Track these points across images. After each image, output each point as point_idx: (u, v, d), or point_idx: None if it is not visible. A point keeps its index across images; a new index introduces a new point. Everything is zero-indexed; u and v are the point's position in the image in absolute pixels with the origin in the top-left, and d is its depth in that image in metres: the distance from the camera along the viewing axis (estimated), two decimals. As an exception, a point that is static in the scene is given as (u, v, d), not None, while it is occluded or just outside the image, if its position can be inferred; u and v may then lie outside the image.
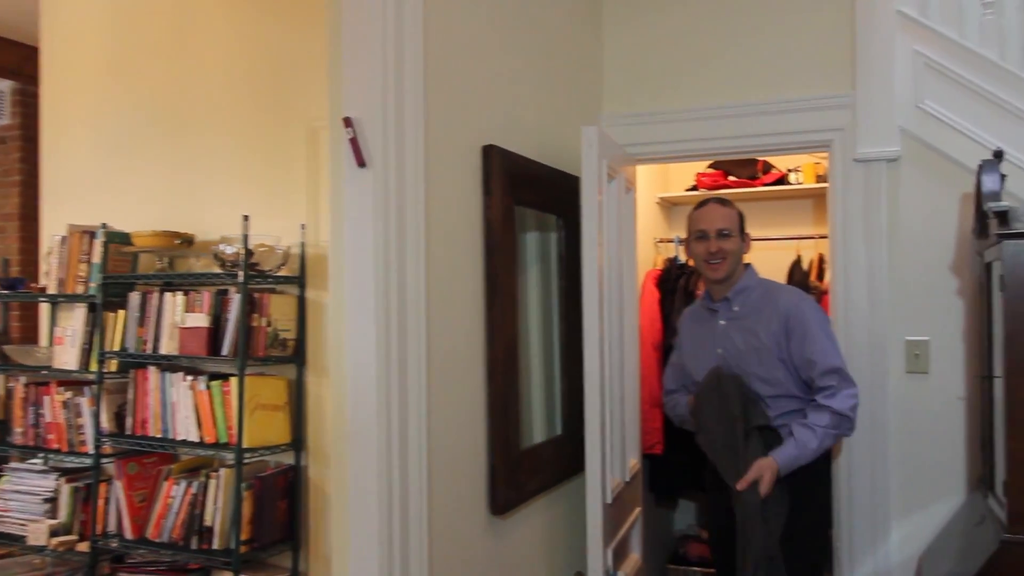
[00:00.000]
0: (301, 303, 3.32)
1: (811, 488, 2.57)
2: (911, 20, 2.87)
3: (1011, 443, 2.08)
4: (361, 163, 1.80)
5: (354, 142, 1.80)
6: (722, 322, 2.64)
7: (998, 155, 2.33)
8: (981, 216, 2.46)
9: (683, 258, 4.12)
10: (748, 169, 4.25)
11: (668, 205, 4.62)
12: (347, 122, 1.80)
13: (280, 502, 3.09)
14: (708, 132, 3.13)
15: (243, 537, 2.87)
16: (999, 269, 2.18)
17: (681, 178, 4.56)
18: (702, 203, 2.73)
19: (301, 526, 3.25)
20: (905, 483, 2.86)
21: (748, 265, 2.70)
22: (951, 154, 2.81)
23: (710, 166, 4.37)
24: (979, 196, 2.40)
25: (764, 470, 2.42)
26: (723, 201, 2.70)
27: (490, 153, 2.26)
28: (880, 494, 2.86)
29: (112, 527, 2.95)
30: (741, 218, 2.69)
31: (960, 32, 2.84)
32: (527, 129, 2.57)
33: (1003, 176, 2.32)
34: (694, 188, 4.41)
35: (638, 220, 3.16)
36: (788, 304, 2.55)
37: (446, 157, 2.10)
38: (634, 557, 2.93)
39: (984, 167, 2.31)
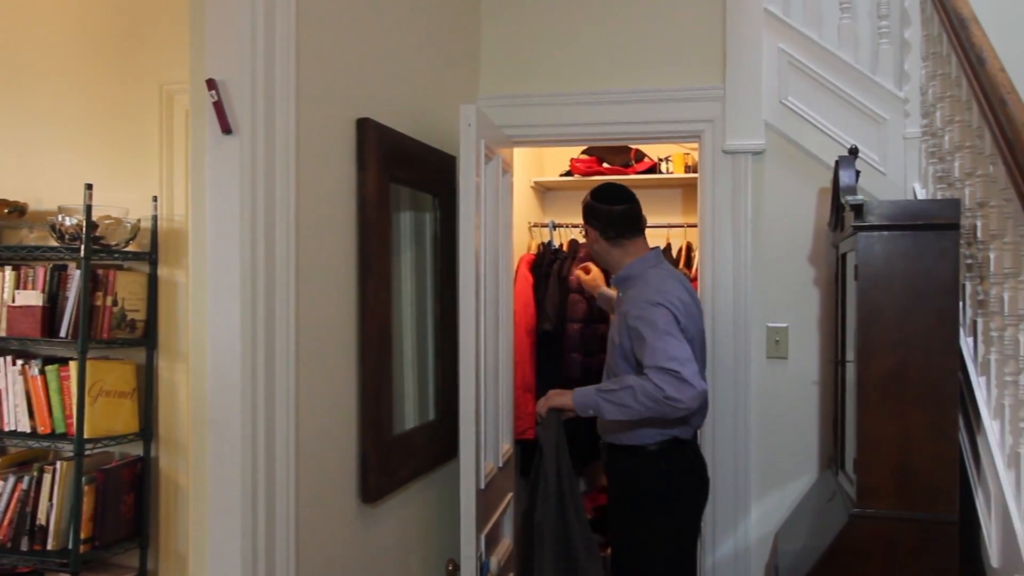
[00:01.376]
0: (152, 281, 3.11)
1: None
2: (776, 19, 2.98)
3: (860, 423, 2.20)
4: (226, 129, 1.67)
5: (218, 106, 1.66)
6: (620, 308, 2.71)
7: (853, 152, 2.45)
8: (837, 209, 2.59)
9: (557, 243, 4.15)
10: (621, 157, 4.33)
11: (542, 190, 4.64)
12: (210, 84, 1.67)
13: (126, 496, 2.88)
14: (583, 117, 3.14)
15: (83, 535, 2.65)
16: (853, 260, 2.30)
17: (556, 163, 4.59)
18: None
19: (150, 522, 3.05)
20: (764, 464, 2.99)
21: (645, 254, 2.71)
22: (810, 149, 2.94)
23: (584, 152, 4.42)
24: (836, 190, 2.53)
25: (556, 393, 2.55)
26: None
27: (365, 127, 2.17)
28: (742, 475, 2.98)
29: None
30: (586, 209, 2.73)
31: (820, 33, 2.98)
32: (404, 106, 2.49)
33: (858, 172, 2.44)
34: (568, 173, 4.44)
35: (513, 204, 3.14)
36: (634, 297, 2.56)
37: (319, 128, 1.99)
38: (506, 542, 2.92)
39: (841, 163, 2.42)
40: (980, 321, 2.26)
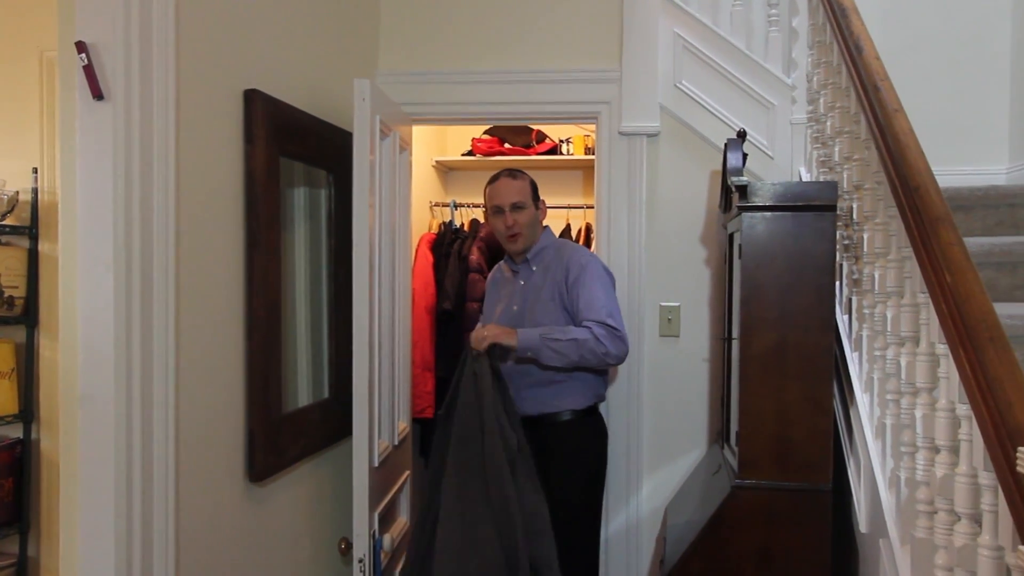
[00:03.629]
0: (33, 257, 2.97)
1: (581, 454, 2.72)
2: (672, 4, 3.04)
3: (742, 397, 2.28)
4: (98, 95, 1.60)
5: (89, 70, 1.58)
6: (522, 282, 2.82)
7: (741, 135, 2.53)
8: (726, 191, 2.67)
9: (458, 222, 4.14)
10: (523, 137, 4.35)
11: (444, 169, 4.62)
12: (80, 47, 1.58)
13: (5, 480, 2.77)
14: (484, 96, 3.14)
15: (-44, 522, 2.52)
16: (739, 239, 2.37)
17: (458, 142, 4.57)
18: (495, 177, 2.85)
19: (30, 507, 2.92)
20: (656, 439, 3.08)
21: (547, 227, 2.89)
22: (703, 132, 3.02)
23: (486, 132, 4.42)
24: (725, 172, 2.61)
25: (499, 330, 2.60)
26: (514, 173, 2.82)
27: (253, 98, 2.11)
28: (634, 450, 3.05)
29: None
30: (534, 186, 2.85)
31: (714, 19, 3.06)
32: (298, 79, 2.43)
33: (745, 155, 2.52)
34: (470, 153, 4.43)
35: (413, 182, 3.11)
36: (572, 257, 2.74)
37: (202, 97, 1.92)
38: (402, 521, 2.92)
39: (729, 145, 2.50)
40: (855, 299, 2.37)
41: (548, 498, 2.46)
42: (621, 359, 2.63)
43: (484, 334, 2.58)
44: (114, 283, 1.63)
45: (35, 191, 2.96)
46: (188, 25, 1.84)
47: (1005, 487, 1.23)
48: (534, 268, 2.81)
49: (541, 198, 2.86)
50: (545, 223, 2.89)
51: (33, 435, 2.93)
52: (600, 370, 2.76)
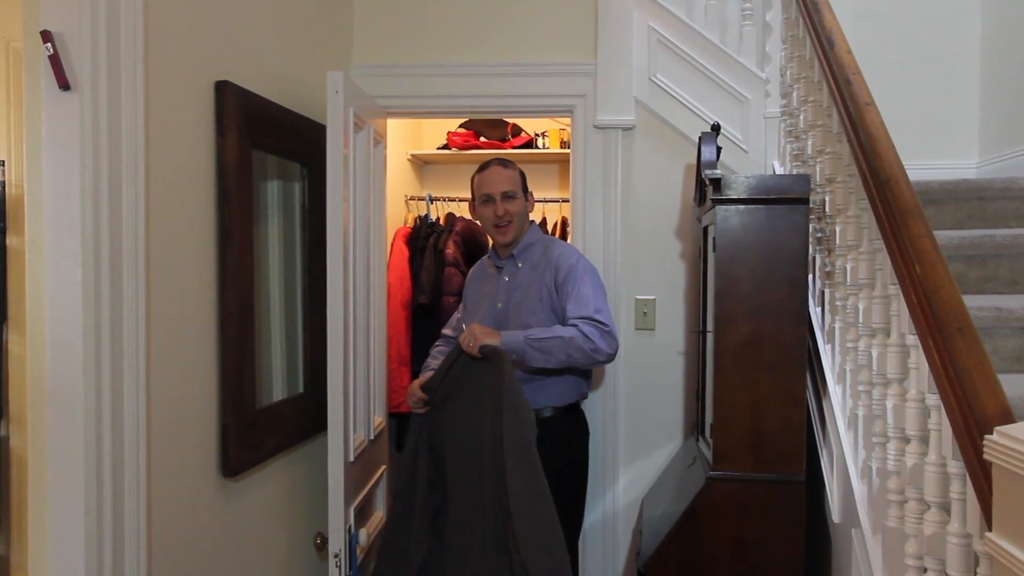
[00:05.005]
0: (0, 251, 2.91)
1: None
2: (647, -3, 3.04)
3: (717, 389, 2.30)
4: (64, 85, 1.57)
5: (55, 60, 1.55)
6: (506, 279, 2.74)
7: (715, 128, 2.54)
8: (700, 184, 2.68)
9: (434, 216, 4.13)
10: (498, 131, 4.34)
11: (420, 163, 4.60)
12: (46, 36, 1.56)
13: (-28, 479, 2.70)
14: (458, 89, 3.13)
15: (-79, 521, 2.47)
16: (713, 232, 2.38)
17: (433, 136, 4.56)
18: (484, 166, 2.77)
19: (0, 505, 2.87)
20: (632, 432, 3.09)
21: (532, 222, 2.83)
22: (678, 126, 3.03)
23: (461, 126, 4.40)
24: (699, 166, 2.62)
25: (482, 331, 2.46)
26: (505, 162, 2.76)
27: (225, 89, 2.08)
28: (611, 443, 3.06)
29: None
30: (523, 177, 2.77)
31: (689, 14, 3.07)
32: (269, 71, 2.40)
33: (719, 148, 2.53)
34: (445, 147, 4.42)
35: (388, 176, 3.09)
36: (561, 255, 2.67)
37: (173, 89, 1.90)
38: (378, 515, 2.91)
39: (703, 139, 2.51)
40: (827, 291, 2.39)
41: None
42: (612, 356, 2.52)
43: (471, 339, 2.44)
44: (82, 277, 1.60)
45: (2, 184, 2.91)
46: (157, 14, 1.81)
47: (973, 475, 1.25)
48: (520, 264, 2.73)
49: (530, 190, 2.80)
50: (531, 218, 2.85)
51: (2, 432, 2.88)
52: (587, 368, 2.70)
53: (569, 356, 2.47)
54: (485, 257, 2.94)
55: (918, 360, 1.60)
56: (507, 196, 2.67)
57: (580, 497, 2.77)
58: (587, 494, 3.04)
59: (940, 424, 1.48)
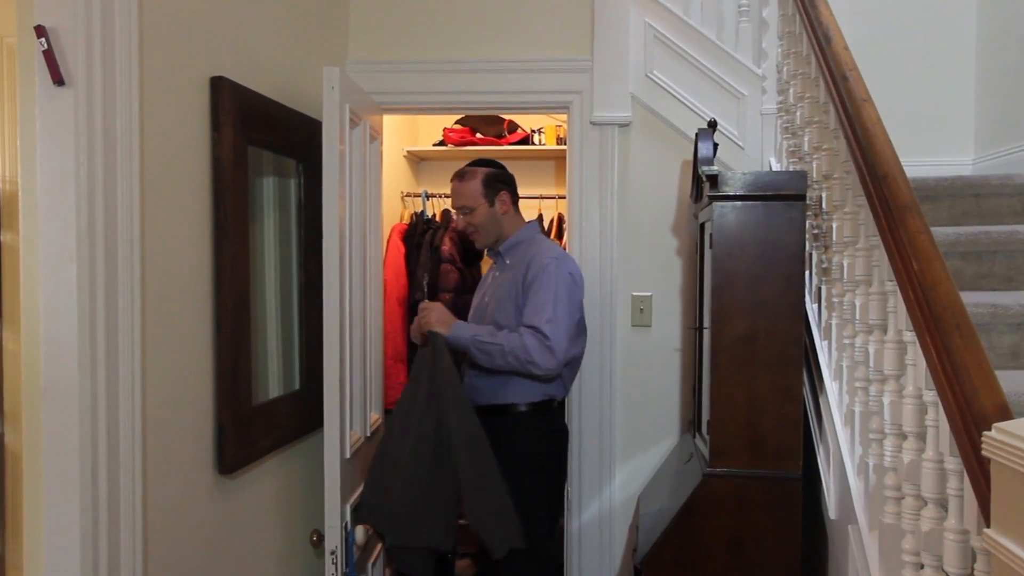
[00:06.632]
0: (-7, 248, 2.90)
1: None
2: (644, -7, 3.04)
3: (713, 386, 2.30)
4: (58, 80, 1.56)
5: (49, 55, 1.54)
6: (496, 274, 2.81)
7: (712, 125, 2.54)
8: (697, 180, 2.67)
9: (430, 213, 4.13)
10: (495, 127, 4.33)
11: (416, 159, 4.59)
12: (40, 31, 1.54)
13: (-34, 476, 2.69)
14: (454, 85, 3.12)
15: (-86, 519, 2.45)
16: (710, 229, 2.38)
17: (429, 132, 4.55)
18: (452, 178, 2.84)
19: (-6, 502, 2.87)
20: (628, 429, 3.09)
21: (531, 222, 2.85)
22: (674, 122, 3.02)
23: (458, 122, 4.40)
24: (696, 162, 2.61)
25: (437, 316, 2.58)
26: (462, 174, 2.81)
27: (220, 85, 2.07)
28: (607, 440, 3.06)
29: None
30: (489, 181, 2.77)
31: (685, 10, 3.06)
32: (267, 67, 2.39)
33: (716, 144, 2.53)
34: (442, 143, 4.41)
35: (384, 173, 3.08)
36: (535, 256, 2.66)
37: (168, 84, 1.89)
38: (374, 512, 2.90)
39: (700, 135, 2.50)
40: (824, 288, 2.39)
41: None
42: (547, 372, 2.54)
43: (423, 320, 2.59)
44: (77, 274, 1.59)
45: (-5, 180, 2.90)
46: (152, 9, 1.80)
47: (970, 471, 1.25)
48: (507, 261, 2.78)
49: (503, 188, 2.77)
50: (531, 218, 2.86)
51: (-4, 430, 2.88)
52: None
53: (507, 363, 2.55)
54: None
55: (915, 356, 1.60)
56: (464, 210, 2.77)
57: (543, 496, 2.68)
58: (583, 490, 3.04)
59: (937, 420, 1.49)
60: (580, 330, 2.72)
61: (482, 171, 2.78)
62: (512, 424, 2.65)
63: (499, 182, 2.79)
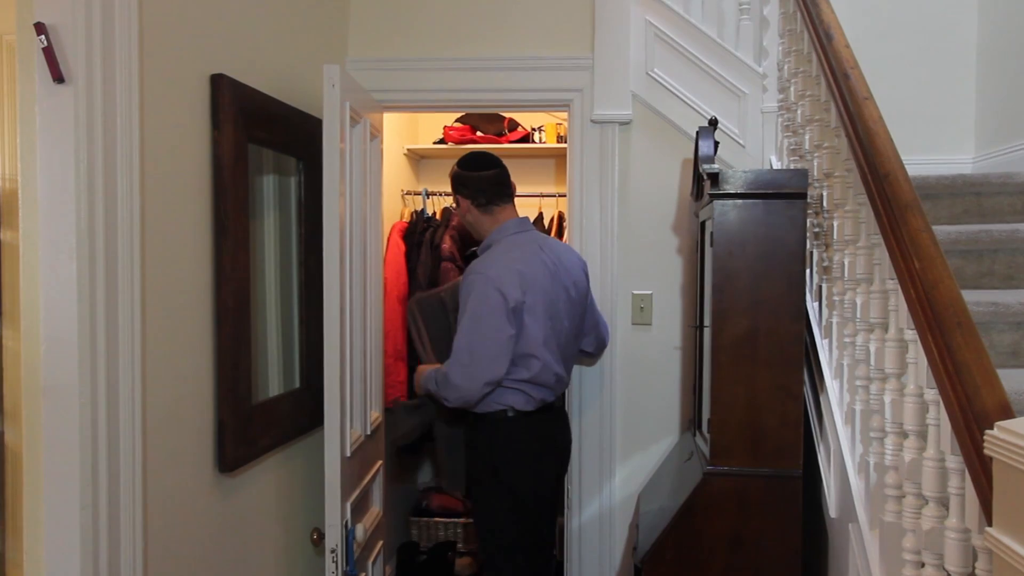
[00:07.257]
0: (-7, 246, 2.89)
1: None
2: (644, -9, 3.03)
3: (714, 384, 2.29)
4: (58, 77, 1.55)
5: (48, 52, 1.54)
6: None
7: (713, 123, 2.53)
8: (697, 179, 2.67)
9: (430, 211, 4.12)
10: (495, 125, 4.33)
11: (416, 157, 4.59)
12: (40, 28, 1.54)
13: (-34, 474, 2.68)
14: (455, 83, 3.12)
15: (-86, 517, 2.45)
16: (710, 227, 2.38)
17: (430, 130, 4.54)
18: None
19: (-6, 500, 2.87)
20: (629, 427, 3.09)
21: (507, 223, 2.70)
22: (675, 121, 3.02)
23: (458, 120, 4.39)
24: (696, 160, 2.61)
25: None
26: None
27: (220, 83, 2.07)
28: (607, 439, 3.06)
29: None
30: (454, 180, 2.73)
31: (686, 8, 3.06)
32: (265, 65, 2.39)
33: (717, 143, 2.53)
34: (442, 141, 4.41)
35: (385, 171, 3.08)
36: (469, 272, 2.58)
37: (168, 82, 1.89)
38: (375, 510, 2.90)
39: (701, 133, 2.50)
40: (825, 286, 2.39)
41: None
42: (462, 401, 2.52)
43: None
44: (77, 271, 1.59)
45: (-5, 178, 2.89)
46: (152, 6, 1.80)
47: (972, 470, 1.25)
48: None
49: (462, 191, 2.70)
50: (523, 215, 2.78)
51: (-4, 428, 2.87)
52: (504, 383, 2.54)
53: (447, 399, 2.58)
54: None
55: (916, 355, 1.60)
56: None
57: (487, 502, 2.62)
58: (583, 488, 3.04)
59: (939, 419, 1.48)
60: (513, 343, 2.49)
61: (453, 170, 2.71)
62: (468, 434, 2.70)
63: (460, 184, 2.70)
